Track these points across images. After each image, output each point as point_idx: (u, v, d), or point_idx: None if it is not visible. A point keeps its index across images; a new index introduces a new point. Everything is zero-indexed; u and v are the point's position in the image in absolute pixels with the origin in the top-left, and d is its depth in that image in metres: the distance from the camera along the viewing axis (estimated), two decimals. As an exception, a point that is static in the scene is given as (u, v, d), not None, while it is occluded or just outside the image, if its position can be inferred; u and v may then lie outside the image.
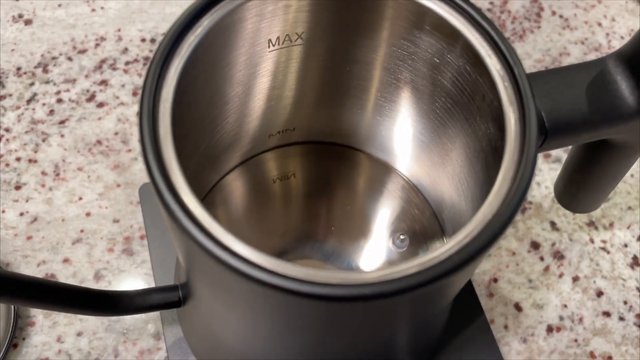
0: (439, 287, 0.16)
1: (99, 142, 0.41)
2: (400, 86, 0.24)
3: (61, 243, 0.38)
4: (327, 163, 0.34)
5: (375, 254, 0.33)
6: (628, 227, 0.40)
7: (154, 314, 0.35)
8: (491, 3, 0.48)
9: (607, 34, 0.47)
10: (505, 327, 0.36)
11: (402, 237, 0.31)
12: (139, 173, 0.40)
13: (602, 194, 0.28)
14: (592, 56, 0.46)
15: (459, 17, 0.19)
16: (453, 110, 0.22)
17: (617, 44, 0.46)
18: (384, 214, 0.33)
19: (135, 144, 0.41)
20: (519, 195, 0.16)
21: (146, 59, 0.44)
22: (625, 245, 0.39)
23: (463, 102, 0.22)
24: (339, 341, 0.21)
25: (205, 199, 0.31)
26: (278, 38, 0.22)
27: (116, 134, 0.41)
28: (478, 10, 0.19)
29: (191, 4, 0.19)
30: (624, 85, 0.20)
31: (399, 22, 0.21)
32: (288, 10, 0.21)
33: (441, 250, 0.16)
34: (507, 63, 0.18)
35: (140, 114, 0.18)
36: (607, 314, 0.37)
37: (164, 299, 0.29)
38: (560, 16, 0.47)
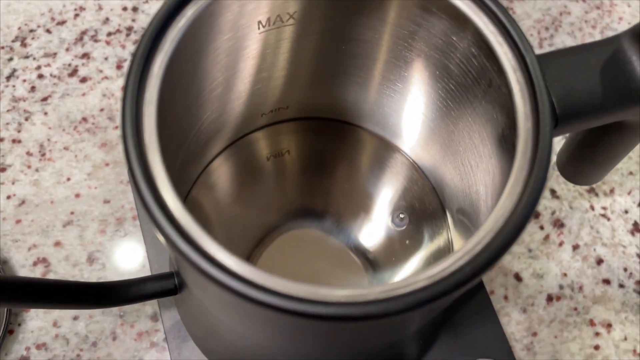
0: (449, 298, 0.15)
1: (84, 119, 0.39)
2: (401, 65, 0.23)
3: (51, 226, 0.37)
4: (323, 139, 0.33)
5: (375, 231, 0.32)
6: (629, 193, 0.39)
7: (151, 297, 0.35)
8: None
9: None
10: (505, 297, 0.36)
11: (401, 215, 0.31)
12: (127, 151, 0.39)
13: (606, 168, 0.28)
14: (593, 15, 0.44)
15: (469, 3, 0.18)
16: (457, 93, 0.21)
17: (619, 1, 0.45)
18: (384, 191, 0.32)
19: (122, 120, 0.40)
20: (532, 202, 0.15)
21: (129, 29, 0.42)
22: (626, 212, 0.39)
23: (467, 85, 0.20)
24: (339, 348, 0.20)
25: (196, 184, 0.30)
26: (269, 19, 0.21)
27: (102, 110, 0.40)
28: None
29: None
30: (637, 65, 0.18)
31: (404, 3, 0.20)
32: None
33: (451, 260, 0.15)
34: (518, 51, 0.17)
35: (122, 123, 0.17)
36: (607, 281, 0.37)
37: (161, 287, 0.28)
38: (561, -28, 0.45)
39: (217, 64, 0.21)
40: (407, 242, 0.32)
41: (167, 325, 0.33)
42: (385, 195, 0.32)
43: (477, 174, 0.22)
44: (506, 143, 0.19)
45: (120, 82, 0.40)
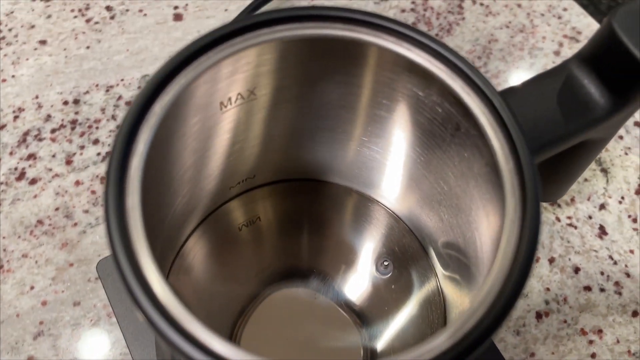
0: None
1: (39, 222, 0.38)
2: (371, 122, 0.23)
3: (21, 341, 0.34)
4: (295, 199, 0.32)
5: (361, 283, 0.32)
6: (588, 199, 0.41)
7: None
8: (413, 2, 0.47)
9: (528, 14, 0.48)
10: (497, 323, 0.36)
11: (385, 263, 0.31)
12: (90, 247, 0.37)
13: (569, 184, 0.29)
14: (519, 38, 0.46)
15: (433, 61, 0.18)
16: (427, 140, 0.22)
17: (539, 22, 0.47)
18: (364, 242, 0.32)
19: (80, 216, 0.38)
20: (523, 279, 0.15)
21: (73, 122, 0.41)
22: (590, 217, 0.40)
23: (436, 132, 0.21)
24: None
25: (171, 270, 0.29)
26: (229, 98, 0.21)
27: (57, 209, 0.38)
28: (460, 57, 0.18)
29: (144, 87, 0.17)
30: (592, 88, 0.19)
31: (374, 69, 0.20)
32: (243, 70, 0.20)
33: (437, 341, 0.15)
34: (485, 96, 0.18)
35: (107, 219, 0.16)
36: (588, 288, 0.38)
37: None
38: (481, 4, 0.48)
39: (186, 149, 0.21)
40: (393, 287, 0.32)
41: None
42: (366, 246, 0.32)
43: (458, 212, 0.23)
44: (480, 178, 0.19)
45: (72, 177, 0.39)
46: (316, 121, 0.24)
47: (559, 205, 0.40)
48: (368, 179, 0.28)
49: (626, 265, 0.39)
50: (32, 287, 0.36)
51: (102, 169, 0.40)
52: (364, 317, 0.32)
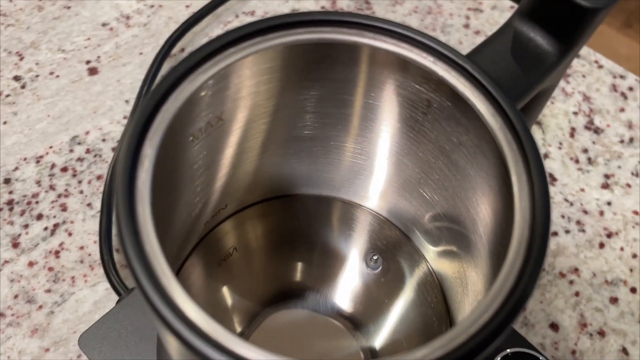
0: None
1: (1, 314, 0.35)
2: (350, 123, 0.24)
3: None
4: (273, 219, 0.32)
5: (354, 286, 0.32)
6: (532, 152, 0.43)
7: None
8: (322, 7, 0.48)
9: (430, -5, 0.50)
10: (485, 289, 0.37)
11: (374, 257, 0.31)
12: (63, 326, 0.35)
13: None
14: (429, 20, 0.48)
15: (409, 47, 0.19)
16: (402, 127, 0.22)
17: (442, 2, 0.50)
18: (348, 246, 0.32)
19: (43, 297, 0.36)
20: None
21: (9, 202, 0.39)
22: (538, 168, 0.42)
23: (409, 116, 0.21)
24: None
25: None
26: (200, 129, 0.20)
27: (16, 297, 0.36)
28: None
29: (130, 131, 0.17)
30: (539, 40, 0.21)
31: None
32: (217, 92, 0.19)
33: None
34: (455, 64, 0.18)
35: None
36: (554, 234, 0.40)
37: None
38: (385, -6, 0.50)
39: (163, 183, 0.20)
40: (383, 280, 0.32)
41: None
42: (352, 249, 0.32)
43: (443, 186, 0.23)
44: (463, 147, 0.20)
45: (24, 259, 0.37)
46: (290, 133, 0.24)
47: (508, 164, 0.42)
48: (348, 183, 0.28)
49: (581, 204, 0.41)
50: (10, 385, 0.33)
51: (53, 243, 0.37)
52: (363, 319, 0.32)
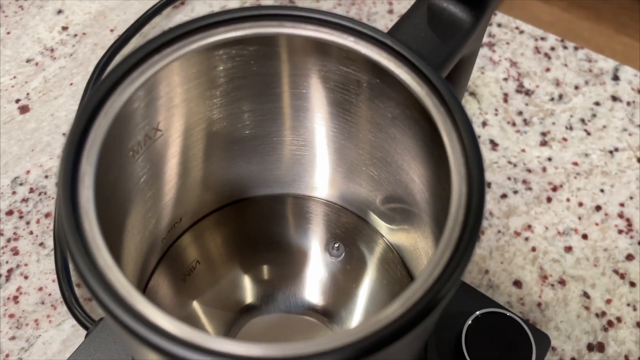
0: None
1: (-34, 371, 0.34)
2: (291, 116, 0.24)
3: None
4: (230, 226, 0.32)
5: (319, 275, 0.32)
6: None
7: None
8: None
9: (351, -13, 0.51)
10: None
11: (336, 245, 0.31)
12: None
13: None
14: (354, 10, 0.49)
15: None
16: (337, 112, 0.23)
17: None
18: (308, 240, 0.32)
19: (9, 346, 0.35)
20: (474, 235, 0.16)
21: (-43, 255, 0.37)
22: (479, 137, 0.44)
23: (341, 99, 0.22)
24: None
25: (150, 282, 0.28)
26: (139, 142, 0.20)
27: (-21, 349, 0.35)
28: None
29: (65, 148, 0.16)
30: (452, 8, 0.22)
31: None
32: (149, 101, 0.19)
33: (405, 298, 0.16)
34: (376, 40, 0.19)
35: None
36: (504, 195, 0.41)
37: None
38: (307, -8, 0.50)
39: (109, 200, 0.20)
40: (349, 266, 0.33)
41: None
42: (313, 242, 0.32)
43: (387, 164, 0.24)
44: (398, 121, 0.20)
45: (-18, 310, 0.36)
46: (232, 135, 0.24)
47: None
48: (298, 177, 0.29)
49: (524, 164, 0.43)
50: None
51: (10, 289, 0.36)
52: (335, 308, 0.32)
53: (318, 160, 0.27)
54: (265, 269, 0.33)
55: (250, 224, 0.33)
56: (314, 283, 0.32)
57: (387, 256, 0.32)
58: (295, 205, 0.33)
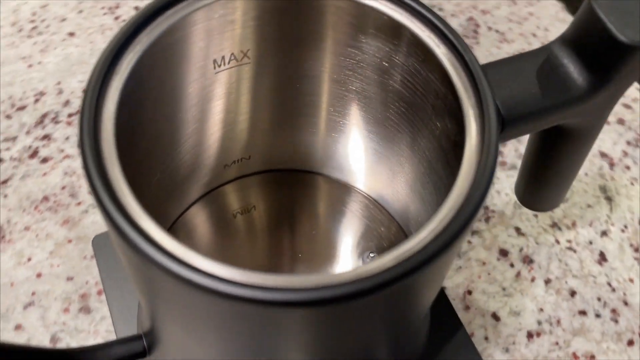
0: (416, 281, 0.15)
1: (45, 198, 0.39)
2: (351, 97, 0.24)
3: (11, 309, 0.35)
4: (287, 191, 0.33)
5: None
6: (590, 225, 0.40)
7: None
8: (429, 24, 0.49)
9: (542, 43, 0.48)
10: (486, 338, 0.36)
11: (371, 255, 0.31)
12: (90, 226, 0.38)
13: (561, 188, 0.28)
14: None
15: (401, 12, 0.19)
16: (407, 113, 0.22)
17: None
18: (350, 235, 0.32)
19: (84, 196, 0.39)
20: (486, 182, 0.16)
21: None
22: (590, 243, 0.39)
23: (417, 103, 0.21)
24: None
25: (174, 225, 0.30)
26: (223, 58, 0.22)
27: (63, 188, 0.40)
28: (419, 2, 0.19)
29: (129, 20, 0.19)
30: (571, 67, 0.20)
31: (342, 29, 0.21)
32: (233, 26, 0.21)
33: (409, 245, 0.15)
34: (457, 51, 0.18)
35: (80, 134, 0.17)
36: (583, 312, 0.37)
37: (128, 351, 0.27)
38: (497, 31, 0.49)
39: (181, 101, 0.22)
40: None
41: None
42: (353, 239, 0.32)
43: (435, 194, 0.23)
44: (458, 150, 0.19)
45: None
46: (298, 97, 0.25)
47: (559, 228, 0.40)
48: (349, 165, 0.29)
49: (625, 294, 0.38)
50: (29, 259, 0.37)
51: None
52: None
53: (379, 159, 0.27)
54: (302, 246, 0.33)
55: (310, 199, 0.33)
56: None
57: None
58: (354, 202, 0.32)
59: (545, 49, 0.21)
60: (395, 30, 0.20)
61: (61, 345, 0.34)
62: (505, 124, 0.19)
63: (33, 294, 0.36)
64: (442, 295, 0.36)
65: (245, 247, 0.34)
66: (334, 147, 0.28)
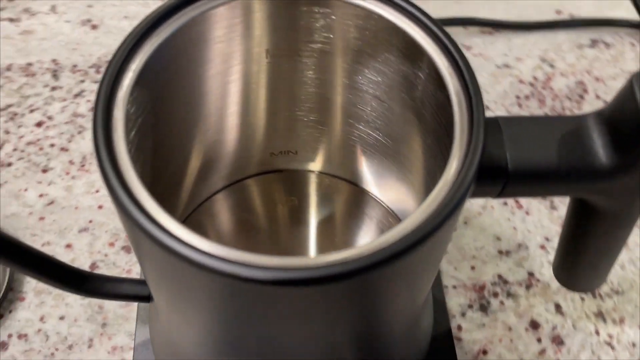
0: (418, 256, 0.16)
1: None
2: (367, 104, 0.25)
3: (69, 229, 0.39)
4: (303, 190, 0.34)
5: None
6: (640, 326, 0.37)
7: (134, 312, 0.36)
8: (534, 78, 0.47)
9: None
10: (485, 403, 0.34)
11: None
12: (156, 178, 0.42)
13: (598, 269, 0.27)
14: None
15: (421, 32, 0.20)
16: (411, 115, 0.23)
17: None
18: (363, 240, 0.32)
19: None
20: (475, 163, 0.16)
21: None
22: (634, 345, 0.36)
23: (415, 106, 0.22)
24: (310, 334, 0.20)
25: (188, 219, 0.32)
26: (277, 48, 0.23)
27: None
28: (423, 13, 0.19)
29: (159, 6, 0.20)
30: (599, 142, 0.19)
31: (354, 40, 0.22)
32: (253, 24, 0.22)
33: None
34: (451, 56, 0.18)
35: (95, 115, 0.19)
36: (599, 413, 0.34)
37: (134, 291, 0.29)
38: (605, 101, 0.46)
39: (203, 91, 0.23)
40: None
41: (138, 341, 0.34)
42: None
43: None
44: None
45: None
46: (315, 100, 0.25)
47: (604, 320, 0.37)
48: (363, 170, 0.29)
49: (654, 410, 0.34)
50: (97, 191, 0.41)
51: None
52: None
53: (400, 165, 0.27)
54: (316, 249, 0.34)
55: (345, 205, 0.34)
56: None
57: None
58: (374, 209, 0.33)
59: (578, 119, 0.20)
60: (416, 54, 0.20)
61: (97, 272, 0.38)
62: (510, 179, 0.19)
63: (90, 221, 0.40)
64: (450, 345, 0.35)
65: (258, 240, 0.35)
66: (350, 154, 0.29)
